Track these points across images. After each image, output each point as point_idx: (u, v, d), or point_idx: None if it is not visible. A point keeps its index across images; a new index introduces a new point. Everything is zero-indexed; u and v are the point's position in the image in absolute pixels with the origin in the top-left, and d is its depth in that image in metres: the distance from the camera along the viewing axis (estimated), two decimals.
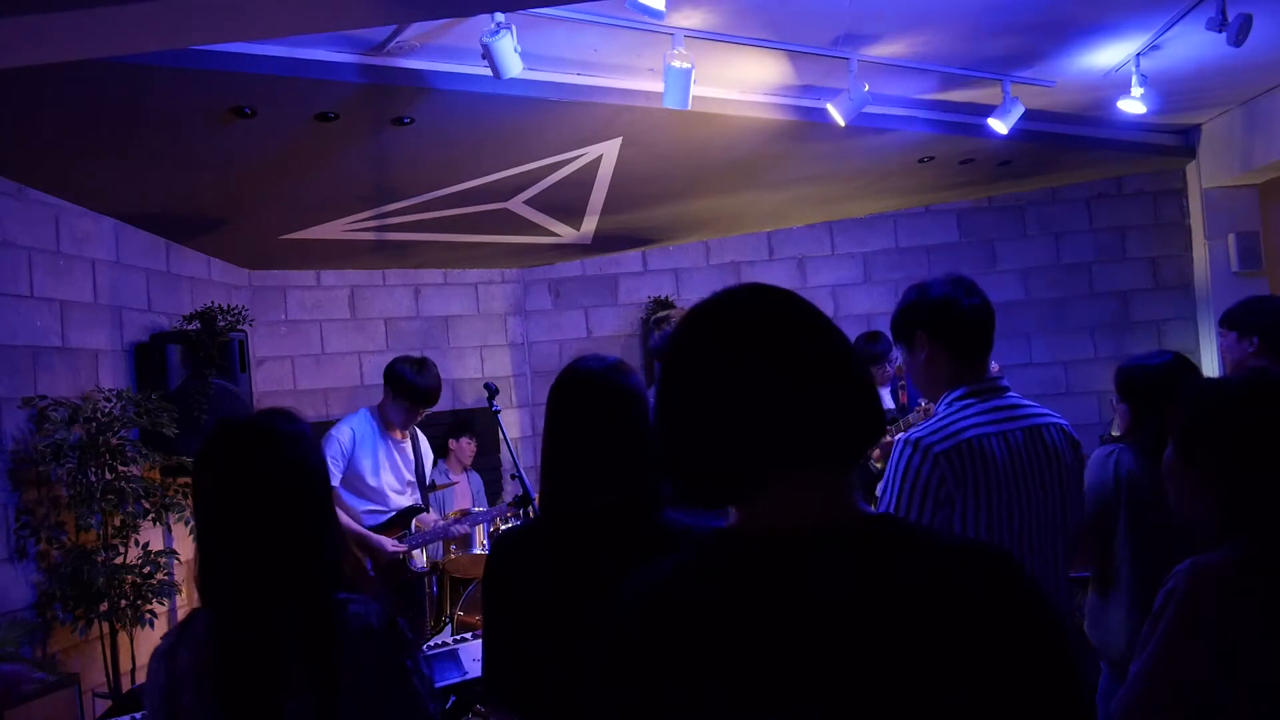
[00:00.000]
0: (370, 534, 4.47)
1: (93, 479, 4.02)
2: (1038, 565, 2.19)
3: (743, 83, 4.48)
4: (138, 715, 3.22)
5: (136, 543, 4.20)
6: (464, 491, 6.04)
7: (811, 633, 1.01)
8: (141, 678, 4.33)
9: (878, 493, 2.26)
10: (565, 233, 6.24)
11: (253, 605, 1.69)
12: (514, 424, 7.03)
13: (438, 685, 3.04)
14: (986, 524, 2.14)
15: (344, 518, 4.20)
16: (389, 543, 4.50)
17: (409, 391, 4.52)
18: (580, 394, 1.95)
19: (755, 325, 1.09)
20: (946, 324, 2.30)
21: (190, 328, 4.91)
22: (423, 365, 4.58)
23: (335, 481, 4.40)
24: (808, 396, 1.06)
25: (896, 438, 2.24)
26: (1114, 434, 2.86)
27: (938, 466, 2.13)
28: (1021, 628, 1.02)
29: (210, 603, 1.74)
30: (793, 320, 1.10)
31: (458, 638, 3.62)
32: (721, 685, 1.01)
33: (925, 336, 2.32)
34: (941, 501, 2.13)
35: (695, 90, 3.79)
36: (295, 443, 1.77)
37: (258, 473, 1.72)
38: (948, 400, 2.27)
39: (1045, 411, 2.31)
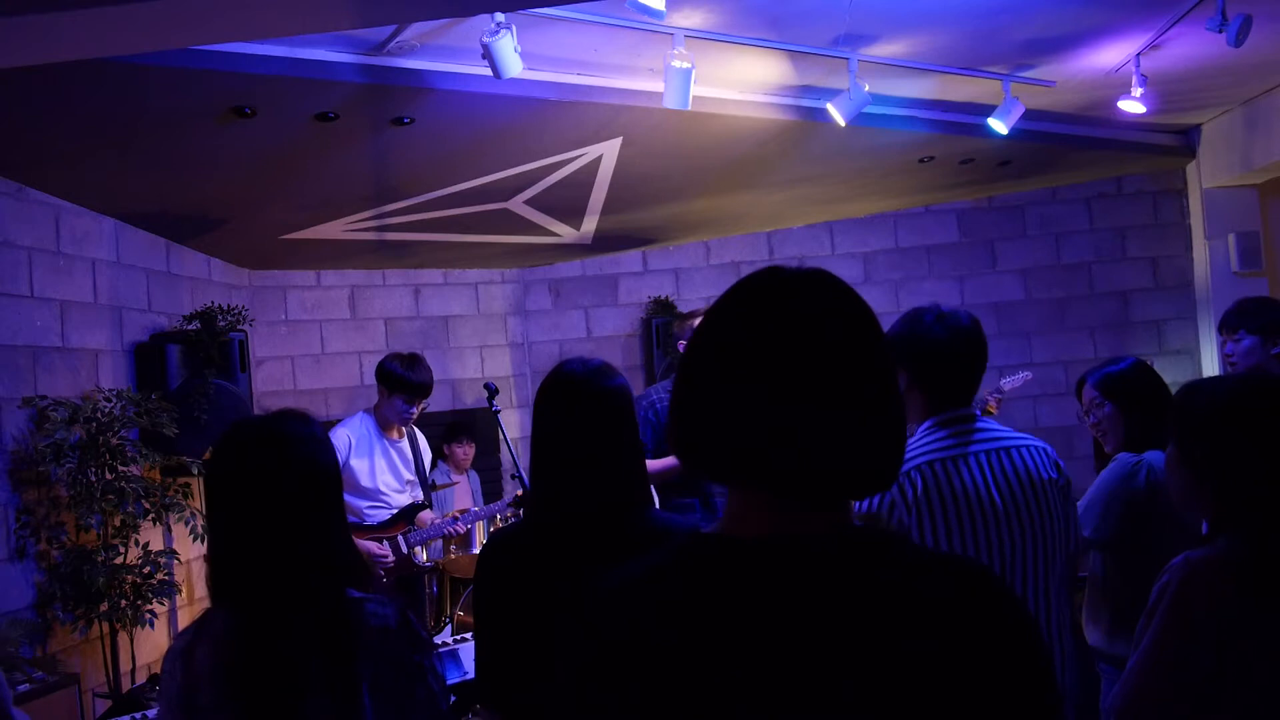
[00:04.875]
0: (358, 541, 4.48)
1: (93, 479, 4.02)
2: (1017, 584, 2.14)
3: (743, 83, 4.48)
4: (138, 715, 3.22)
5: (136, 543, 4.20)
6: (464, 491, 6.05)
7: (777, 640, 1.00)
8: (141, 678, 4.34)
9: None
10: (565, 233, 6.24)
11: (268, 605, 1.70)
12: (514, 424, 7.03)
13: None
14: (949, 549, 2.10)
15: None
16: (374, 547, 4.51)
17: (402, 386, 4.54)
18: (564, 397, 1.96)
19: (776, 331, 1.05)
20: (916, 360, 2.24)
21: (190, 328, 4.91)
22: (413, 359, 4.61)
23: None
24: (812, 419, 1.02)
25: None
26: (1107, 448, 2.89)
27: (888, 493, 2.10)
28: (995, 641, 1.01)
29: (224, 603, 1.74)
30: (824, 333, 1.06)
31: (458, 638, 3.63)
32: (688, 688, 1.01)
33: (902, 373, 2.26)
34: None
35: (695, 90, 3.78)
36: (307, 444, 1.78)
37: (270, 474, 1.73)
38: (922, 428, 2.25)
39: (1019, 436, 2.28)
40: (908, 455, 2.17)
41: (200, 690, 1.69)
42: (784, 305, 1.07)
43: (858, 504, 2.15)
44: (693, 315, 4.44)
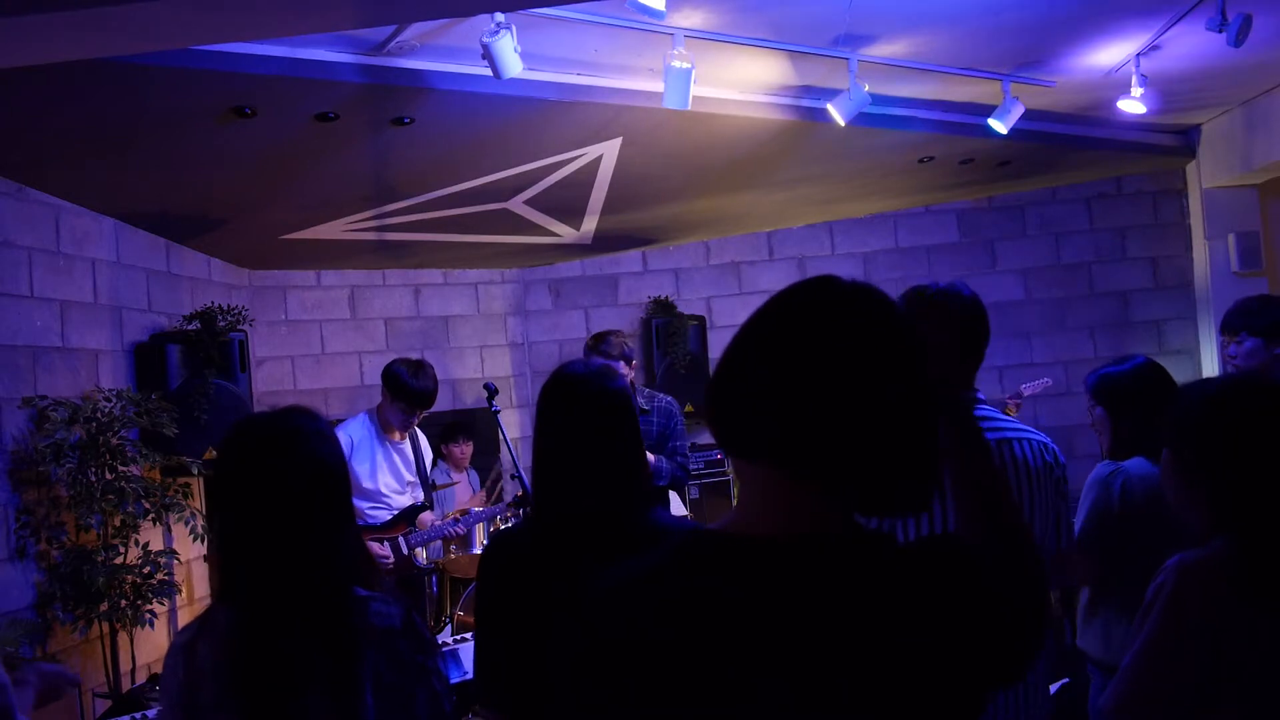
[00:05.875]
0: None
1: (93, 479, 4.02)
2: None
3: (743, 83, 4.48)
4: (138, 715, 3.22)
5: (136, 543, 4.20)
6: (465, 490, 6.05)
7: (773, 640, 1.01)
8: (141, 678, 4.34)
9: None
10: (565, 233, 6.24)
11: (272, 602, 1.69)
12: (514, 424, 7.03)
13: None
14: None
15: None
16: (376, 548, 4.51)
17: (405, 394, 4.53)
18: (565, 398, 1.97)
19: (839, 346, 1.08)
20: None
21: (190, 328, 4.91)
22: (420, 367, 4.59)
23: None
24: (840, 430, 1.05)
25: None
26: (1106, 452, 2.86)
27: None
28: (975, 612, 1.05)
29: (229, 600, 1.74)
30: (877, 354, 1.08)
31: (458, 638, 3.63)
32: (684, 686, 1.01)
33: None
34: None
35: (695, 90, 3.78)
36: (315, 441, 1.77)
37: (277, 471, 1.73)
38: None
39: (1020, 427, 2.27)
40: None
41: (202, 687, 1.68)
42: (839, 317, 1.10)
43: None
44: (606, 334, 4.32)
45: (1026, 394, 5.80)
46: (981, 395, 2.30)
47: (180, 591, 4.84)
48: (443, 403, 6.67)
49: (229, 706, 1.66)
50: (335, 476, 1.78)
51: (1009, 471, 2.17)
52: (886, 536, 1.12)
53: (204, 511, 4.64)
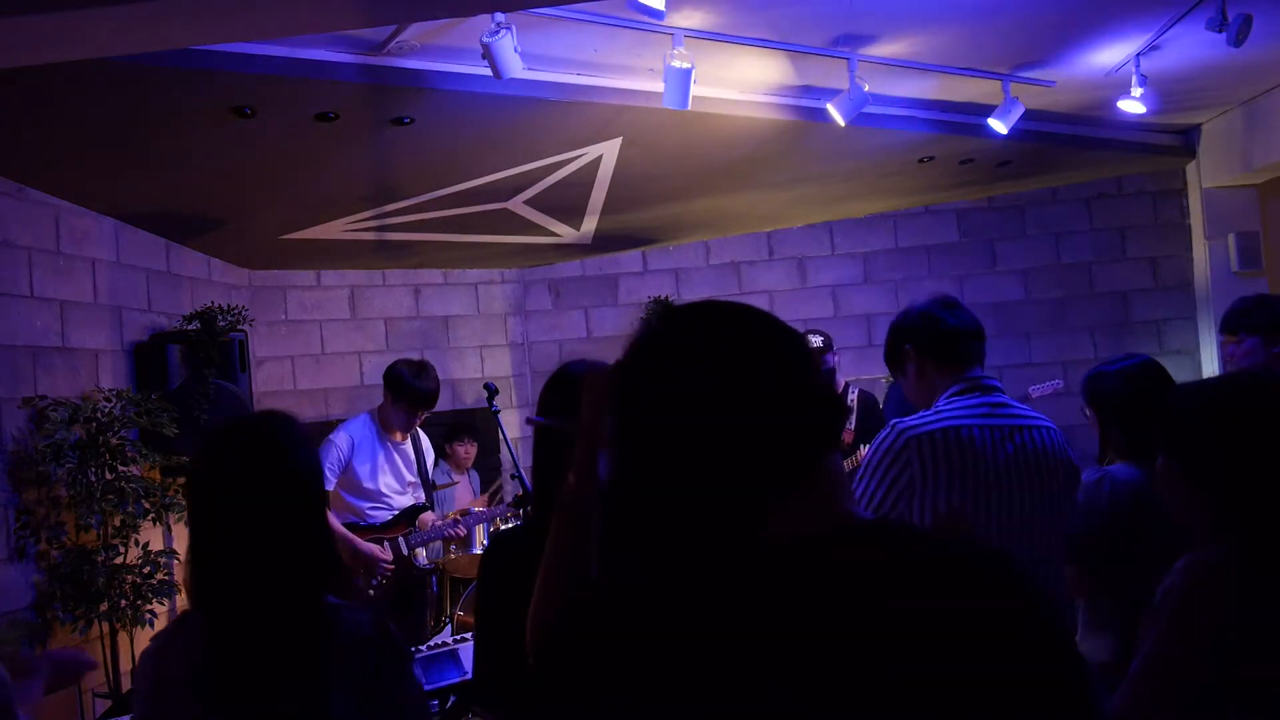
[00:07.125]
0: (360, 542, 4.47)
1: (93, 479, 4.02)
2: (1021, 553, 2.18)
3: (743, 83, 4.48)
4: None
5: (136, 543, 4.20)
6: (465, 490, 6.04)
7: (780, 642, 1.00)
8: None
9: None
10: (565, 233, 6.24)
11: (243, 609, 1.68)
12: (514, 424, 7.03)
13: (438, 685, 3.05)
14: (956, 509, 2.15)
15: (336, 525, 4.22)
16: (376, 550, 4.51)
17: (408, 394, 4.54)
18: (568, 396, 1.96)
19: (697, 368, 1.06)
20: (930, 335, 2.37)
21: (190, 328, 4.91)
22: (422, 368, 4.60)
23: (330, 486, 4.41)
24: (778, 416, 1.04)
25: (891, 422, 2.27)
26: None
27: (906, 450, 2.16)
28: (1018, 627, 1.00)
29: (200, 605, 1.73)
30: (734, 344, 1.07)
31: (458, 638, 3.62)
32: (692, 684, 1.01)
33: (912, 350, 2.39)
34: (904, 489, 2.14)
35: (695, 90, 3.78)
36: (289, 446, 1.75)
37: (250, 476, 1.70)
38: (944, 397, 2.31)
39: (1036, 415, 2.33)
40: (935, 414, 2.22)
41: (169, 691, 1.67)
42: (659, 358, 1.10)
43: (870, 454, 2.21)
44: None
45: (1035, 396, 5.77)
46: (997, 382, 2.32)
47: (180, 591, 4.84)
48: (443, 403, 6.65)
49: (195, 711, 1.65)
50: (308, 484, 1.75)
51: (1030, 458, 2.21)
52: (894, 533, 1.10)
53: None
